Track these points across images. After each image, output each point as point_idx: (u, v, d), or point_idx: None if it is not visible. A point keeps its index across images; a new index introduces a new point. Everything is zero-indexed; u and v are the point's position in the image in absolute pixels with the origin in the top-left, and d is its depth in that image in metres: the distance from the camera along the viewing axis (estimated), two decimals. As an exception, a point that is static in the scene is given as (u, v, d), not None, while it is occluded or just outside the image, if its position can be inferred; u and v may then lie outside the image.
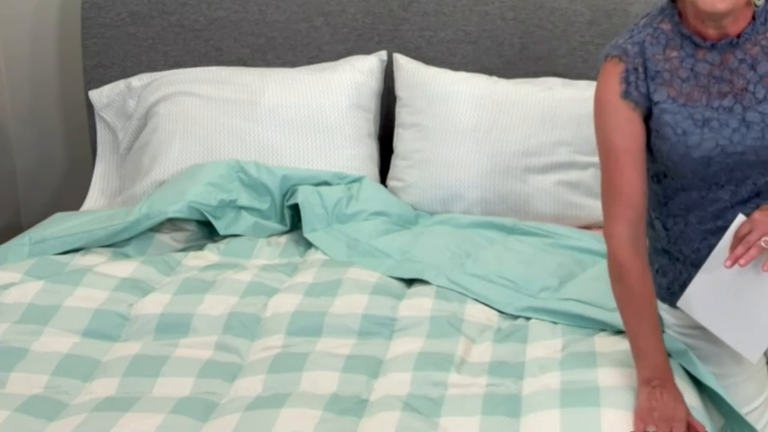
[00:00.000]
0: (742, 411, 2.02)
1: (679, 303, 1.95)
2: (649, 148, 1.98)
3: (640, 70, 1.92)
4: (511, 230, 2.68)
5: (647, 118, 1.94)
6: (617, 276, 1.93)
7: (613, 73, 1.92)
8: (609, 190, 1.93)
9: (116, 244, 2.61)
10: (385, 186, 2.94)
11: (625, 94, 1.91)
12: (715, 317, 1.93)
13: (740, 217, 1.87)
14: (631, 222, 1.91)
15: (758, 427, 2.07)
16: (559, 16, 2.98)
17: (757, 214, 1.84)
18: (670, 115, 1.91)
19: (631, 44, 1.93)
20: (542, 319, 2.22)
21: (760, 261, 1.81)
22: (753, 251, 1.79)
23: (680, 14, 1.93)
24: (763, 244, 1.79)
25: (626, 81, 1.91)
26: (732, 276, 1.86)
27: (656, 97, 1.91)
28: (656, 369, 1.89)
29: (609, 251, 1.94)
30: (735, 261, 1.80)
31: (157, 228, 2.64)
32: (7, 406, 1.91)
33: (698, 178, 1.93)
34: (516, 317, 2.26)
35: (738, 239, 1.84)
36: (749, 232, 1.82)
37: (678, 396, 1.87)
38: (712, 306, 1.91)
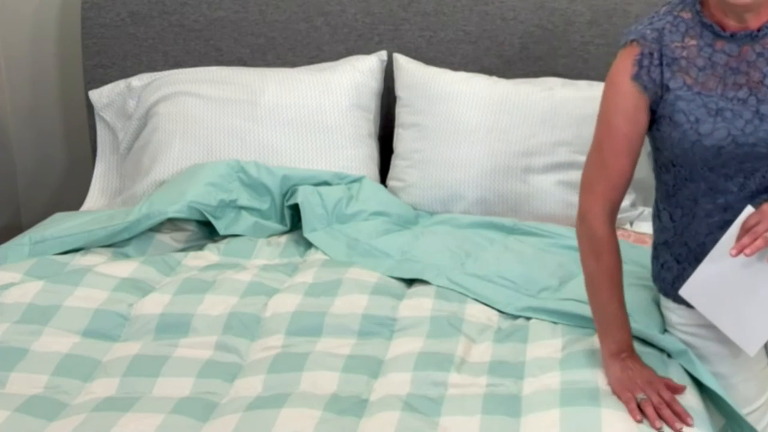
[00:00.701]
0: (743, 411, 2.02)
1: (681, 291, 1.96)
2: (659, 136, 1.99)
3: (656, 55, 1.94)
4: (511, 230, 2.67)
5: (656, 104, 1.95)
6: (595, 252, 1.98)
7: (629, 55, 1.95)
8: (599, 168, 1.98)
9: (116, 244, 2.61)
10: (385, 186, 2.94)
11: (636, 77, 1.94)
12: (715, 308, 1.93)
13: (749, 209, 1.87)
14: (612, 202, 1.98)
15: (759, 427, 2.08)
16: (559, 16, 2.98)
17: (766, 206, 1.85)
18: (684, 102, 1.92)
19: (650, 30, 1.95)
20: (542, 319, 2.22)
21: (766, 253, 1.82)
22: (759, 242, 1.80)
23: (701, 3, 1.96)
24: None
25: (639, 64, 1.94)
26: (736, 267, 1.86)
27: (672, 84, 1.93)
28: (623, 343, 1.95)
29: (586, 226, 1.99)
30: (741, 250, 1.81)
31: (157, 228, 2.64)
32: (7, 406, 1.91)
33: (707, 168, 1.94)
34: (516, 317, 2.26)
35: (745, 230, 1.84)
36: (757, 224, 1.82)
37: (646, 366, 1.94)
38: (714, 296, 1.92)
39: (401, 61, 3.02)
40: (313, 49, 3.12)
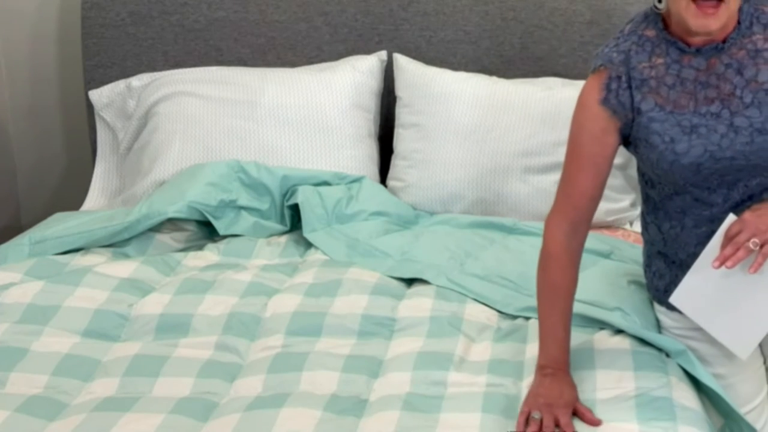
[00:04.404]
0: (741, 411, 2.02)
1: (671, 299, 1.96)
2: (638, 158, 1.99)
3: (623, 78, 1.93)
4: (511, 230, 2.67)
5: (628, 128, 1.95)
6: (542, 264, 1.99)
7: (597, 80, 1.95)
8: (562, 185, 2.00)
9: (116, 244, 2.61)
10: (385, 186, 2.94)
11: (604, 101, 1.93)
12: (705, 314, 1.94)
13: (731, 217, 1.88)
14: (571, 221, 1.97)
15: (757, 426, 2.08)
16: (559, 16, 2.98)
17: (747, 215, 1.85)
18: (658, 123, 1.92)
19: (616, 52, 1.95)
20: (542, 319, 2.22)
21: (749, 261, 1.82)
22: (741, 253, 1.80)
23: (664, 20, 1.94)
24: (751, 246, 1.80)
25: (607, 88, 1.93)
26: (722, 274, 1.87)
27: (643, 107, 1.92)
28: (552, 359, 1.93)
29: (543, 239, 2.00)
30: (723, 262, 1.81)
31: (157, 228, 2.64)
32: (7, 406, 1.91)
33: (689, 184, 1.94)
34: (515, 317, 2.26)
35: (728, 239, 1.85)
36: (738, 233, 1.82)
37: (566, 385, 1.89)
38: (703, 303, 1.93)
39: (401, 61, 3.02)
40: (313, 49, 3.12)
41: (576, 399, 1.88)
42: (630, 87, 1.93)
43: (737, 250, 1.81)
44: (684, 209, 1.98)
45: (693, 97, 1.91)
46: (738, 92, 1.90)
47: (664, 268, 2.08)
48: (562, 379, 1.90)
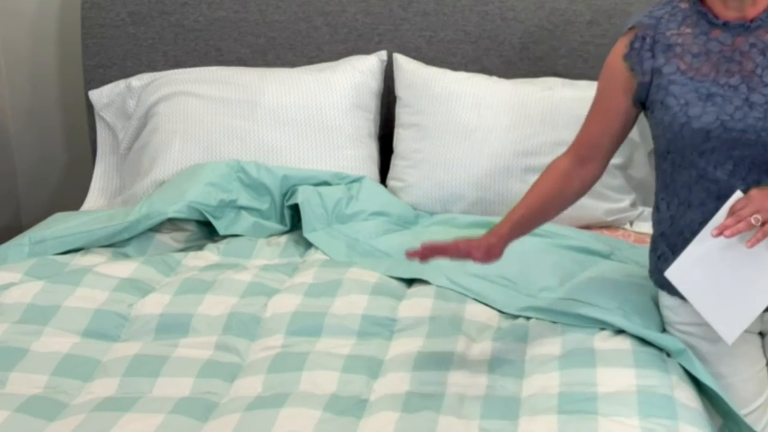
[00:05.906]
0: (742, 412, 2.03)
1: (667, 273, 1.96)
2: (653, 123, 2.05)
3: (648, 40, 2.03)
4: (511, 230, 2.67)
5: (644, 90, 2.03)
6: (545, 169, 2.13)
7: (625, 38, 2.07)
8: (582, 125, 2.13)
9: (116, 244, 2.61)
10: (385, 186, 2.94)
11: (626, 56, 2.05)
12: (699, 292, 1.95)
13: (737, 193, 1.90)
14: (576, 155, 2.11)
15: (758, 428, 2.08)
16: (559, 16, 2.98)
17: (754, 191, 1.88)
18: (677, 86, 1.99)
19: (648, 18, 2.05)
20: (542, 319, 2.22)
21: (747, 237, 1.83)
22: (741, 225, 1.82)
23: None
24: (753, 221, 1.82)
25: (631, 45, 2.05)
26: (720, 250, 1.88)
27: (665, 69, 2.00)
28: (495, 233, 2.04)
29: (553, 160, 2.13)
30: (722, 231, 1.83)
31: (157, 228, 2.64)
32: (7, 406, 1.91)
33: (697, 153, 1.97)
34: (516, 317, 2.26)
35: (732, 213, 1.86)
36: (743, 208, 1.84)
37: (489, 244, 2.02)
38: (698, 280, 1.93)
39: (401, 61, 3.02)
40: (313, 49, 3.12)
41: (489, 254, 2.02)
42: (652, 49, 2.02)
43: (738, 222, 1.82)
44: (690, 185, 2.01)
45: (715, 68, 1.99)
46: (759, 71, 1.96)
47: (668, 251, 2.08)
48: (491, 237, 2.02)
